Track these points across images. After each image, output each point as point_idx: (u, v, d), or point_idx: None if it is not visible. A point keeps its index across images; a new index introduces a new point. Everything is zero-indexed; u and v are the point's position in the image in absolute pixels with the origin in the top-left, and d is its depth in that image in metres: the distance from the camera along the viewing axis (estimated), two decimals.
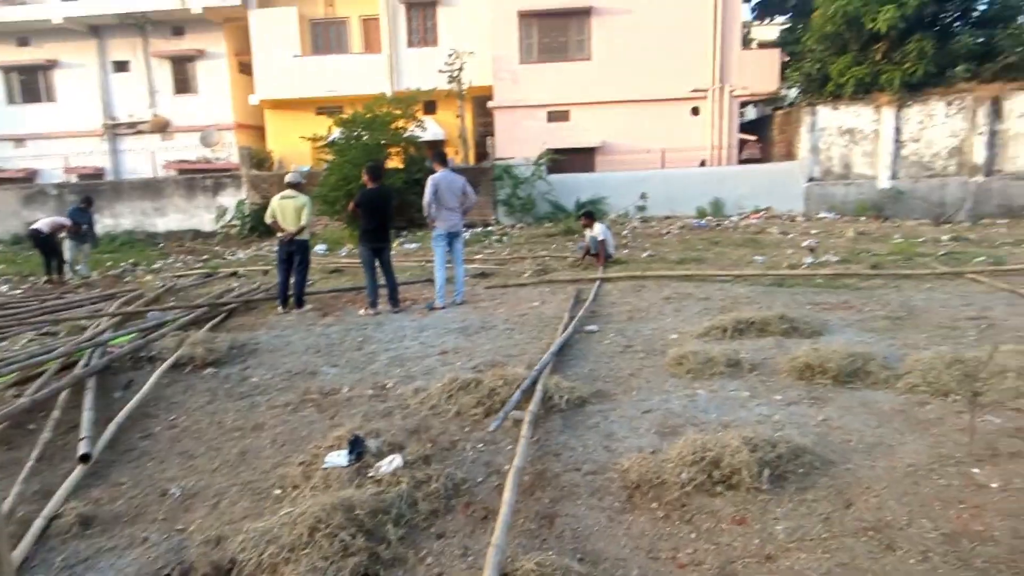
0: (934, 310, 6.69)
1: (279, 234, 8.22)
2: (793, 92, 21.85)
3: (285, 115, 21.65)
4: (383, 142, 17.64)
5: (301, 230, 8.12)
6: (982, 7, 16.98)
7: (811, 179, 17.13)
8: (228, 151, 22.63)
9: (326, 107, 21.21)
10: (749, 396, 4.26)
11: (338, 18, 21.24)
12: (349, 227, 18.19)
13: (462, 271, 8.39)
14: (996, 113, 16.06)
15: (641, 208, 17.74)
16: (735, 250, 11.77)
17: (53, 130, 22.92)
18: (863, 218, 16.27)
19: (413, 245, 15.14)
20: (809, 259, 10.27)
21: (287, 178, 8.41)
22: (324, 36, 21.39)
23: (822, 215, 16.58)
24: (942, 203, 16.24)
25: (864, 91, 16.44)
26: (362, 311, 7.89)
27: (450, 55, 18.69)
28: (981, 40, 16.13)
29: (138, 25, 21.71)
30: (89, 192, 15.97)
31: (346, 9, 21.14)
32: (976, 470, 3.12)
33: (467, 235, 16.10)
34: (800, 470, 3.11)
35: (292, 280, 8.30)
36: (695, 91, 18.58)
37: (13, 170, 22.81)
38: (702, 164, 18.50)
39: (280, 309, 8.29)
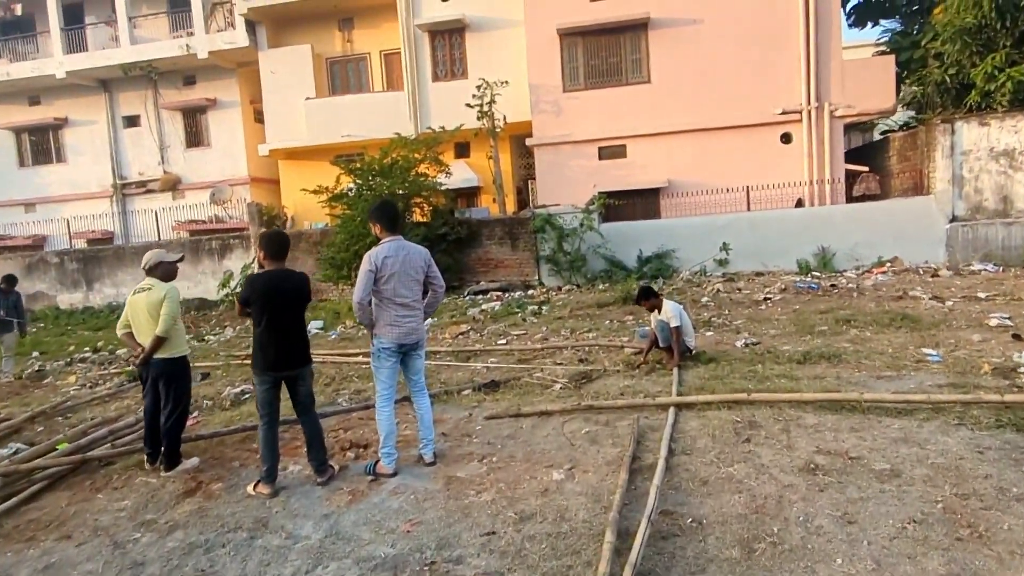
0: None
1: (134, 353, 5.05)
2: (900, 115, 17.68)
3: (300, 165, 19.19)
4: (400, 191, 14.67)
5: (158, 344, 4.87)
6: None
7: (953, 219, 12.85)
8: (241, 208, 20.31)
9: (345, 155, 18.60)
10: None
11: (357, 54, 18.80)
12: None
13: (427, 407, 4.87)
14: None
15: (722, 262, 13.85)
16: (882, 333, 7.75)
17: (62, 192, 21.34)
18: None
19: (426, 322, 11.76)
20: None
21: (144, 260, 5.18)
22: (342, 75, 18.96)
23: (975, 267, 12.21)
24: None
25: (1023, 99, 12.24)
26: (252, 488, 4.52)
27: (479, 86, 15.70)
28: None
29: (147, 76, 19.95)
30: (26, 267, 13.59)
31: (365, 44, 18.69)
32: None
33: (496, 306, 12.65)
34: None
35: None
36: (785, 113, 14.76)
37: (22, 237, 21.25)
38: (799, 204, 14.53)
39: (148, 467, 5.09)
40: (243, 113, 20.39)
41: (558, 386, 6.60)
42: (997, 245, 12.46)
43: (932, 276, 11.93)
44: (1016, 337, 6.86)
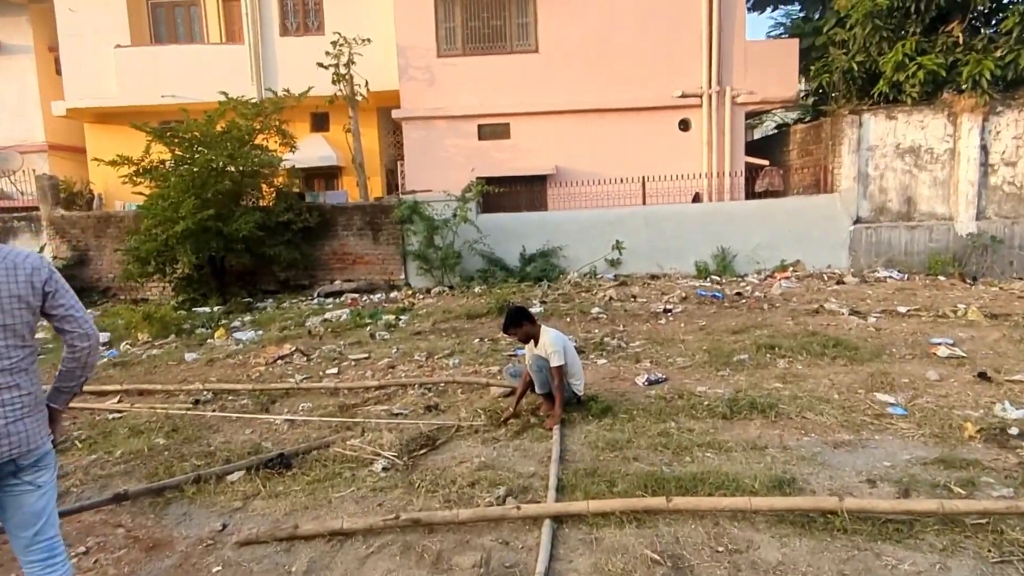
0: None
1: None
2: (782, 115, 16.89)
3: (113, 131, 15.36)
4: (229, 167, 11.65)
5: None
6: None
7: (858, 220, 11.83)
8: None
9: (174, 120, 15.07)
10: None
11: None
12: (177, 294, 12.04)
13: None
14: None
15: (614, 263, 12.11)
16: (816, 365, 6.08)
17: None
18: (942, 278, 11.00)
19: (246, 335, 9.01)
20: (1010, 409, 4.66)
21: None
22: (169, 21, 15.37)
23: (881, 273, 11.23)
24: None
25: (932, 92, 11.34)
26: None
27: (334, 42, 12.93)
28: None
29: None
30: None
31: None
32: None
33: (343, 315, 10.07)
34: None
35: None
36: (684, 96, 13.24)
37: None
38: (696, 199, 13.09)
39: None
40: (38, 62, 16.17)
41: (380, 465, 4.28)
42: (900, 250, 11.58)
43: (838, 283, 10.80)
44: (983, 376, 5.37)
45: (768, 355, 6.41)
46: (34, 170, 15.23)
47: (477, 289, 11.48)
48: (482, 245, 12.07)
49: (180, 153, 11.72)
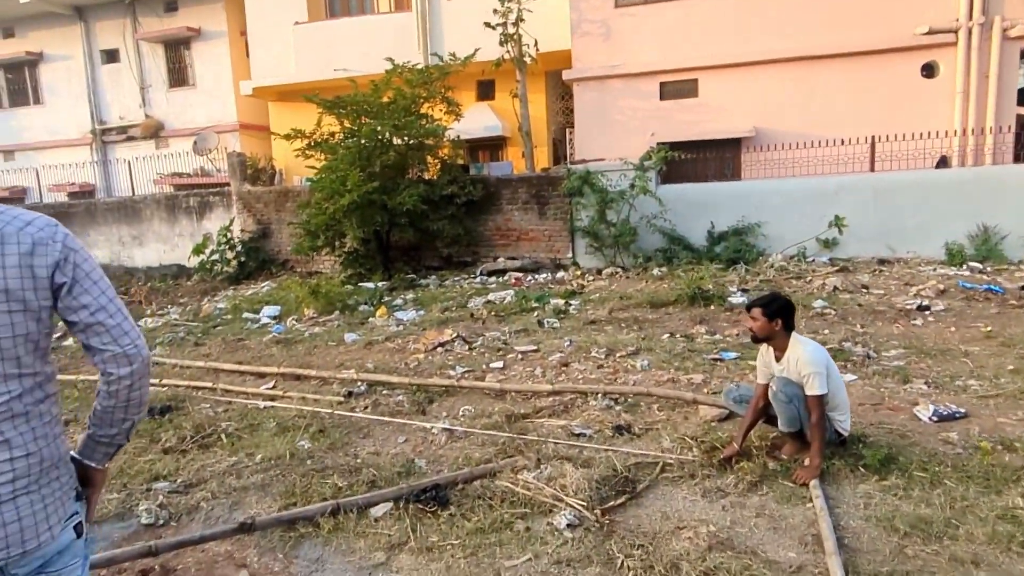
0: None
1: None
2: None
3: (294, 108, 15.81)
4: (394, 139, 11.21)
5: None
6: None
7: None
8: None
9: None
10: None
11: None
12: (344, 268, 11.95)
13: None
14: None
15: (828, 243, 9.90)
16: None
17: (41, 139, 18.74)
18: None
19: (407, 315, 8.38)
20: None
21: None
22: None
23: None
24: None
25: None
26: None
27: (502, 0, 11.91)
28: None
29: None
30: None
31: None
32: None
33: (508, 296, 9.09)
34: None
35: None
36: (931, 33, 10.46)
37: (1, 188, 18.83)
38: (941, 163, 10.34)
39: None
40: (231, 46, 17.13)
41: (564, 520, 3.10)
42: None
43: None
44: None
45: None
46: (227, 148, 16.20)
47: (656, 271, 9.96)
48: (662, 220, 10.49)
49: (348, 125, 11.50)
